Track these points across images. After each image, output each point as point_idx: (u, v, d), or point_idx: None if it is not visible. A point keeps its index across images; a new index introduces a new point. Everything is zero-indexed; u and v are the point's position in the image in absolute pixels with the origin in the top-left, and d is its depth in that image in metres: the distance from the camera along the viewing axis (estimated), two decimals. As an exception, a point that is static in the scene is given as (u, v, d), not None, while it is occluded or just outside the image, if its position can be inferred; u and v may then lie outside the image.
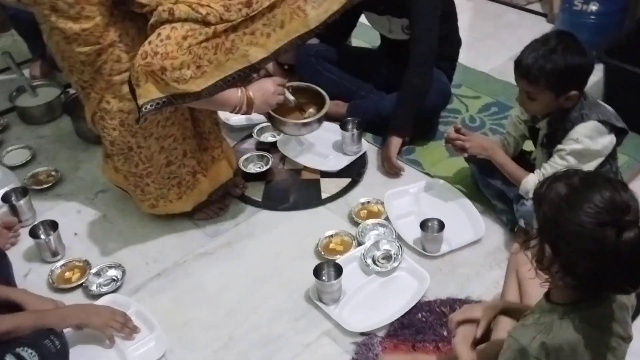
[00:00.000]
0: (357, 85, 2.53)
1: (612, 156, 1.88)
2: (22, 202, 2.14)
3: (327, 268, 1.84)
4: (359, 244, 1.99)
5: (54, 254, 2.01)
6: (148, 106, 1.68)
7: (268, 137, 2.47)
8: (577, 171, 1.17)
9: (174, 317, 1.83)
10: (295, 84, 2.14)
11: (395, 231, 2.03)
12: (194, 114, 1.96)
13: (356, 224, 2.07)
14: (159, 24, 1.65)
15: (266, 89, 1.87)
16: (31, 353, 1.50)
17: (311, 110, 2.12)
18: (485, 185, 2.08)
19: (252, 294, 1.89)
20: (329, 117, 2.41)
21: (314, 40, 2.65)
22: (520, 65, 1.77)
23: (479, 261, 1.95)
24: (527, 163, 2.02)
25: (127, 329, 1.73)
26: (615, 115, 1.84)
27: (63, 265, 1.98)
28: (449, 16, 2.38)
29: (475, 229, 2.03)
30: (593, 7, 2.76)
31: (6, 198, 2.16)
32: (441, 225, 1.96)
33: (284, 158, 2.38)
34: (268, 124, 2.30)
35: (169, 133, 1.89)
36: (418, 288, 1.84)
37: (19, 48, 2.91)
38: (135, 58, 1.66)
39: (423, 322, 1.75)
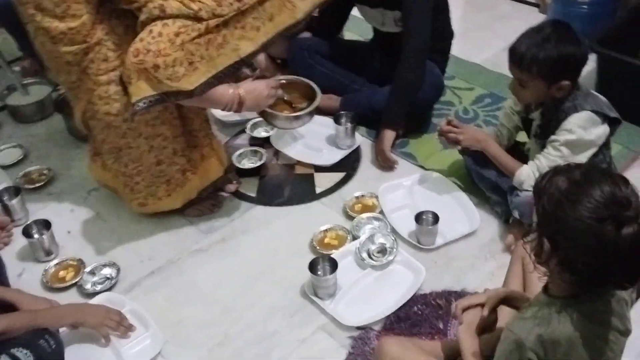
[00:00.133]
0: (350, 79, 2.52)
1: (605, 146, 1.88)
2: (14, 201, 2.13)
3: (322, 263, 1.84)
4: (354, 238, 1.99)
5: (48, 253, 2.00)
6: (141, 104, 1.67)
7: (261, 133, 2.46)
8: (579, 165, 1.16)
9: (169, 315, 1.82)
10: (286, 77, 2.13)
11: (390, 224, 2.02)
12: (183, 112, 1.94)
13: (351, 218, 2.07)
14: (149, 20, 1.63)
15: (259, 91, 1.87)
16: (26, 353, 1.50)
17: (303, 103, 2.11)
18: (479, 177, 2.08)
19: (247, 290, 1.89)
20: (322, 111, 2.42)
21: (307, 34, 2.64)
22: (514, 53, 1.78)
23: (474, 253, 1.95)
24: (520, 154, 2.01)
25: (122, 327, 1.72)
26: (609, 105, 1.83)
27: (57, 264, 1.97)
28: (442, 8, 2.37)
29: (469, 221, 2.03)
30: (585, -3, 2.76)
31: (-2, 198, 2.14)
32: (436, 218, 1.95)
33: (277, 153, 2.37)
34: (261, 119, 2.29)
35: (158, 132, 1.88)
36: (413, 281, 1.84)
37: (8, 46, 2.89)
38: (124, 56, 1.64)
39: (419, 315, 1.75)
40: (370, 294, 1.83)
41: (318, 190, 2.22)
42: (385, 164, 2.27)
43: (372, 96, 2.42)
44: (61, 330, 1.68)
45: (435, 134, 2.14)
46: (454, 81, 2.67)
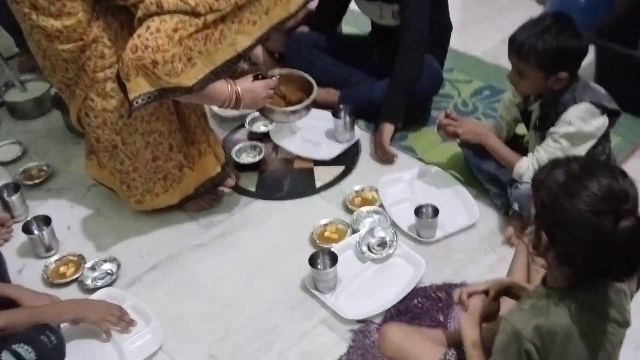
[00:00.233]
0: (349, 73, 2.52)
1: (605, 138, 1.88)
2: (14, 197, 2.13)
3: (322, 256, 1.84)
4: (354, 231, 1.99)
5: (48, 249, 2.00)
6: (140, 100, 1.66)
7: (260, 127, 2.45)
8: (577, 158, 1.16)
9: (170, 310, 1.82)
10: (282, 70, 2.12)
11: (389, 218, 2.03)
12: (179, 108, 1.94)
13: (350, 211, 2.07)
14: (146, 16, 1.62)
15: (257, 92, 1.86)
16: (27, 349, 1.50)
17: (298, 96, 2.10)
18: (478, 169, 2.08)
19: (247, 285, 1.89)
20: (321, 105, 2.41)
21: (305, 28, 2.64)
22: (514, 42, 1.78)
23: (474, 246, 1.95)
24: (520, 146, 2.01)
25: (123, 322, 1.72)
26: (607, 97, 1.83)
27: (57, 260, 1.97)
28: (440, 1, 2.36)
29: (469, 214, 2.03)
30: (583, -12, 2.75)
31: (-2, 194, 2.14)
32: (435, 211, 1.95)
33: (276, 147, 2.37)
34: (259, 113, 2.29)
35: (154, 128, 1.88)
36: (413, 274, 1.84)
37: (6, 43, 2.88)
38: (121, 52, 1.64)
39: (419, 308, 1.76)
40: (371, 287, 1.84)
41: (318, 184, 2.22)
42: (384, 158, 2.27)
43: (370, 90, 2.41)
44: (62, 325, 1.68)
45: (434, 127, 2.14)
46: (452, 74, 2.67)
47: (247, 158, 2.32)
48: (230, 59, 1.73)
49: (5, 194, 2.14)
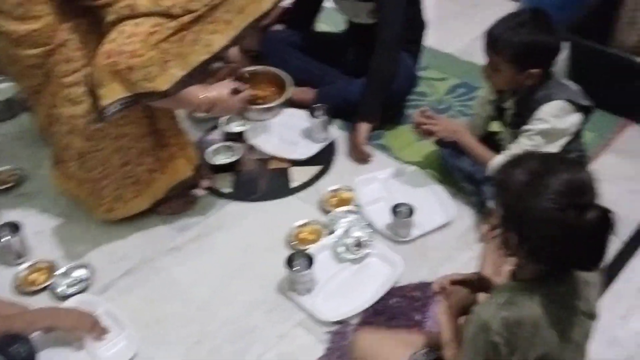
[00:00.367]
0: (325, 71, 2.51)
1: (578, 134, 1.90)
2: (-17, 203, 2.09)
3: (299, 258, 1.82)
4: (331, 232, 1.98)
5: (18, 256, 1.96)
6: (114, 107, 1.63)
7: (235, 128, 2.43)
8: (534, 154, 1.18)
9: (145, 315, 1.80)
10: (257, 68, 2.10)
11: (366, 218, 2.02)
12: (150, 111, 1.90)
13: (327, 212, 2.06)
14: (119, 20, 1.59)
15: (230, 104, 1.85)
16: (-2, 360, 1.47)
17: (270, 93, 2.09)
18: (454, 167, 2.08)
19: (223, 287, 1.87)
20: (297, 104, 2.40)
21: (280, 27, 2.62)
22: (489, 34, 1.80)
23: (450, 244, 1.96)
24: (494, 144, 2.02)
25: (97, 329, 1.69)
26: (581, 94, 1.85)
27: (28, 267, 1.93)
28: (414, -1, 2.36)
29: (445, 212, 2.03)
30: (556, -15, 2.76)
31: (-34, 200, 2.10)
32: (411, 210, 1.95)
33: (252, 148, 2.35)
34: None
35: (125, 132, 1.84)
36: (390, 274, 1.84)
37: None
38: (89, 55, 1.60)
39: (396, 308, 1.75)
40: (348, 288, 1.83)
41: (293, 184, 2.20)
42: (360, 157, 2.27)
43: (346, 88, 2.40)
44: (34, 334, 1.64)
45: (409, 125, 2.14)
46: (427, 72, 2.67)
47: (222, 159, 2.29)
48: (206, 60, 1.71)
49: (-27, 200, 2.09)
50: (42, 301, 1.84)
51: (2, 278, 1.92)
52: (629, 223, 1.97)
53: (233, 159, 2.27)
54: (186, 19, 1.62)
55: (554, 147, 1.82)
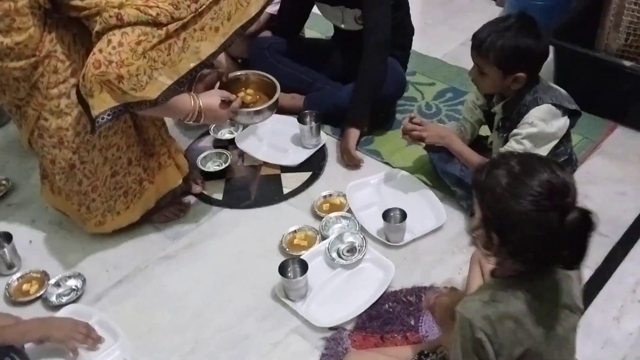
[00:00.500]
0: (313, 77, 2.52)
1: (566, 137, 1.92)
2: (-28, 214, 2.07)
3: (292, 265, 1.83)
4: (323, 237, 1.99)
5: (10, 266, 1.95)
6: (105, 116, 1.63)
7: (225, 134, 2.43)
8: (515, 155, 1.20)
9: (138, 324, 1.79)
10: (245, 72, 2.10)
11: (358, 223, 2.03)
12: (137, 121, 1.90)
13: (319, 217, 2.07)
14: (106, 30, 1.59)
15: (219, 114, 1.85)
16: (-10, 372, 1.46)
17: (258, 97, 2.09)
18: (443, 172, 2.10)
19: (217, 295, 1.87)
20: (286, 111, 2.41)
21: (267, 33, 2.62)
22: (475, 37, 1.82)
23: (442, 248, 1.97)
24: (484, 148, 2.04)
25: (91, 339, 1.68)
26: (568, 98, 1.87)
27: (20, 277, 1.92)
28: (401, 4, 2.38)
29: (436, 217, 2.05)
30: (540, -11, 2.80)
31: (-45, 211, 2.08)
32: (403, 215, 1.96)
33: (242, 154, 2.35)
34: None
35: (112, 142, 1.83)
36: (384, 279, 1.85)
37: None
38: (75, 66, 1.60)
39: (390, 313, 1.76)
40: (342, 293, 1.83)
41: (285, 190, 2.21)
42: (350, 163, 2.28)
43: (335, 94, 2.42)
44: (27, 345, 1.64)
45: (399, 130, 2.15)
46: (415, 77, 2.69)
47: (212, 166, 2.29)
48: (194, 67, 1.71)
49: (-38, 211, 2.08)
50: (34, 311, 1.83)
51: (-7, 289, 1.91)
52: (619, 225, 1.99)
53: (224, 166, 2.27)
54: (172, 27, 1.62)
55: (543, 151, 1.84)
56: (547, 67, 2.41)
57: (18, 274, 1.93)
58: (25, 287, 1.90)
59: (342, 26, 2.44)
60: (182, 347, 1.74)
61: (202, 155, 2.31)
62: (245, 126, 2.39)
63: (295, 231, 2.01)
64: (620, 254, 1.91)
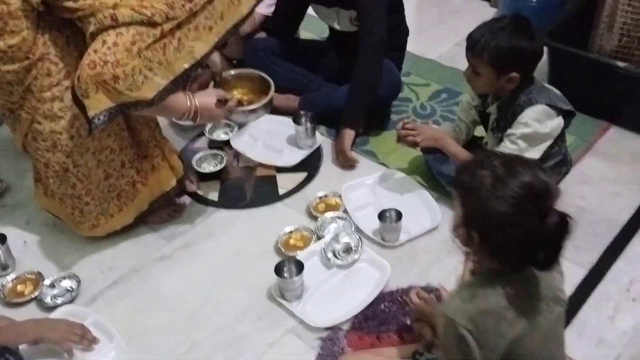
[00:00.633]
0: (308, 78, 2.52)
1: (560, 138, 1.93)
2: (-34, 215, 2.06)
3: (288, 265, 1.83)
4: (319, 238, 1.99)
5: (4, 267, 1.94)
6: (101, 117, 1.62)
7: (221, 135, 2.43)
8: (499, 156, 1.22)
9: (134, 325, 1.79)
10: (239, 71, 2.10)
11: (354, 223, 2.03)
12: (130, 123, 1.89)
13: (315, 218, 2.07)
14: (100, 31, 1.58)
15: (215, 114, 1.86)
16: (-15, 374, 1.45)
17: (252, 96, 2.10)
18: (439, 173, 2.11)
19: (212, 295, 1.87)
20: (281, 112, 2.41)
21: (262, 35, 2.63)
22: (470, 38, 1.83)
23: (438, 248, 1.97)
24: (479, 148, 2.04)
25: (86, 340, 1.68)
26: (563, 99, 1.88)
27: (14, 278, 1.91)
28: (397, 6, 2.38)
29: (432, 217, 2.05)
30: (534, -9, 2.81)
31: (-51, 212, 2.07)
32: (399, 215, 1.97)
33: (238, 155, 2.35)
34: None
35: (105, 145, 1.83)
36: (379, 279, 1.85)
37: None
38: (69, 69, 1.59)
39: (386, 313, 1.76)
40: (337, 293, 1.83)
41: (281, 191, 2.21)
42: (346, 163, 2.28)
43: (330, 95, 2.42)
44: (21, 347, 1.63)
45: (394, 131, 2.16)
46: (410, 77, 2.69)
47: (208, 167, 2.29)
48: (189, 67, 1.71)
49: (-44, 212, 2.07)
50: (29, 313, 1.82)
51: (-13, 290, 1.90)
52: (613, 224, 2.00)
53: (219, 167, 2.27)
54: (167, 26, 1.62)
55: (537, 151, 1.85)
56: (542, 68, 2.42)
57: (12, 275, 1.92)
58: (19, 288, 1.89)
59: (337, 27, 2.44)
60: (178, 348, 1.73)
61: (197, 156, 2.31)
62: (240, 126, 2.39)
63: (291, 231, 2.01)
64: (614, 254, 1.92)
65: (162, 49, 1.63)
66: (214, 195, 2.20)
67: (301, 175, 2.26)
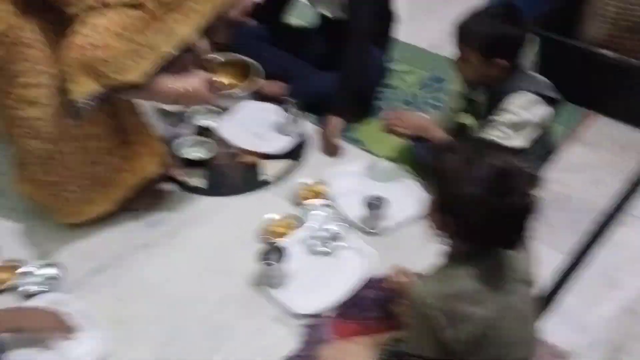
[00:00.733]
0: (296, 65, 2.50)
1: (549, 125, 1.93)
2: (-55, 202, 2.03)
3: (272, 252, 1.81)
4: (303, 225, 1.97)
5: (-15, 254, 1.92)
6: (87, 101, 1.59)
7: (206, 121, 2.40)
8: (470, 140, 1.23)
9: (117, 313, 1.77)
10: (225, 55, 2.08)
11: (339, 211, 2.02)
12: (114, 110, 1.86)
13: (300, 205, 2.05)
14: (86, 13, 1.56)
15: (202, 97, 1.83)
16: (-38, 364, 1.43)
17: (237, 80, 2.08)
18: (424, 160, 2.09)
19: (196, 283, 1.85)
20: (268, 98, 2.39)
21: (250, 21, 2.60)
22: (459, 25, 1.84)
23: (423, 235, 1.95)
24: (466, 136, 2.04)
25: (66, 328, 1.66)
26: (549, 86, 1.88)
27: (-5, 265, 1.89)
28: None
29: (417, 204, 2.03)
30: (524, -21, 2.80)
31: None
32: (384, 202, 1.96)
33: (223, 142, 2.33)
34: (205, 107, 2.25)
35: (89, 133, 1.80)
36: (364, 266, 1.85)
37: None
38: (54, 55, 1.56)
39: (371, 300, 1.76)
40: (322, 280, 1.83)
41: (266, 178, 2.19)
42: (332, 150, 2.27)
43: (318, 82, 2.40)
44: (2, 335, 1.61)
45: (381, 118, 2.15)
46: (397, 65, 2.67)
47: (192, 153, 2.26)
48: (176, 50, 1.69)
49: (-64, 199, 2.03)
50: (9, 301, 1.79)
51: (-33, 278, 1.87)
52: (594, 211, 2.01)
53: (204, 153, 2.25)
54: (155, 9, 1.60)
55: (522, 138, 1.85)
56: (530, 57, 2.43)
57: (-7, 262, 1.89)
58: (0, 276, 1.87)
59: (326, 13, 2.42)
60: (161, 336, 1.72)
61: (182, 142, 2.28)
62: (224, 110, 2.37)
63: (275, 219, 2.00)
64: (594, 241, 1.93)
65: (149, 32, 1.61)
66: (198, 182, 2.18)
67: (287, 162, 2.25)
